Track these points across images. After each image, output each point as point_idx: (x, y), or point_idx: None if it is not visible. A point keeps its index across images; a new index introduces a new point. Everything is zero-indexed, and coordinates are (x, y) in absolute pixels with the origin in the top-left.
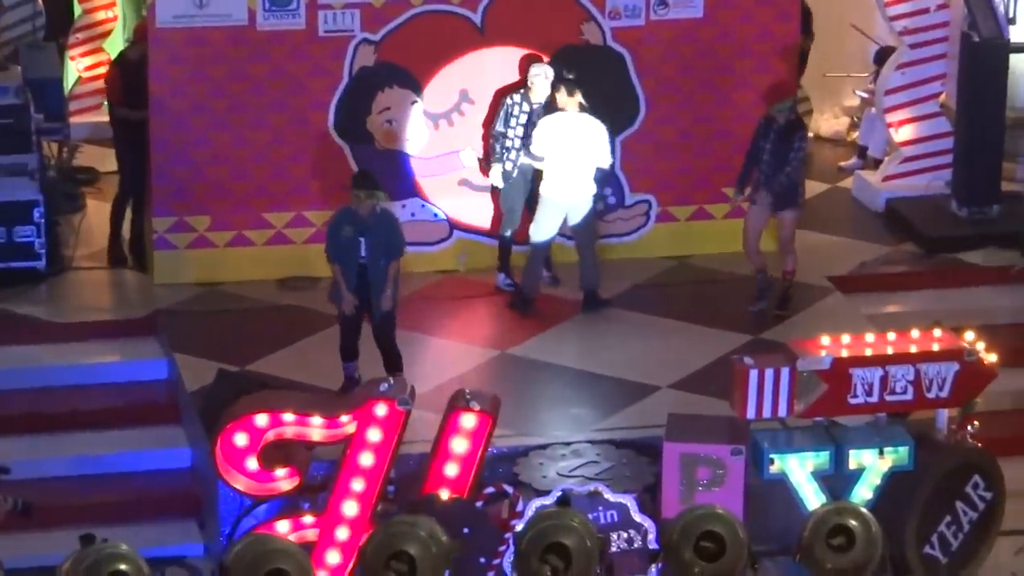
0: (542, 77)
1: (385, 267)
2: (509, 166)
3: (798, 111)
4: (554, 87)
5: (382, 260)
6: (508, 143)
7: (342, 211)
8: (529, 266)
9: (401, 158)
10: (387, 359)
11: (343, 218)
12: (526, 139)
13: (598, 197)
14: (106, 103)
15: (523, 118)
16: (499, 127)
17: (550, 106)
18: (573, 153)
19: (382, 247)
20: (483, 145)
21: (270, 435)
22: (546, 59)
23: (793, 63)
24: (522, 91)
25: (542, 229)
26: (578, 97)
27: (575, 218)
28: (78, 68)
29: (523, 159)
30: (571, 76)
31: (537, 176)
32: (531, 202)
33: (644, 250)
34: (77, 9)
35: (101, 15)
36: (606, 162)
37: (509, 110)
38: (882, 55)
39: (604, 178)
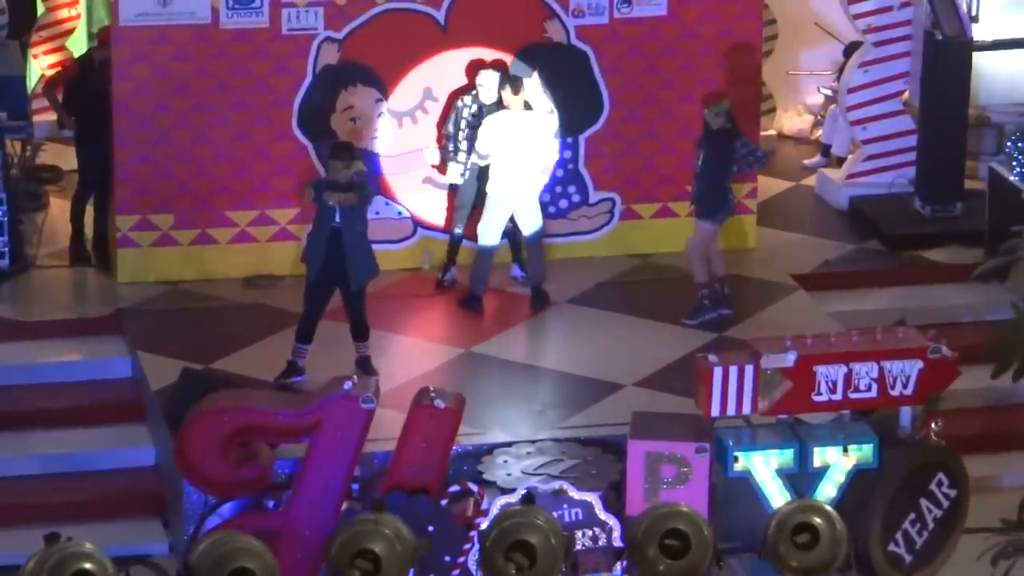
0: (490, 82)
1: (362, 232)
2: (459, 167)
3: (733, 117)
4: (500, 86)
5: (358, 225)
6: (458, 143)
7: (319, 180)
8: (477, 265)
9: (365, 156)
10: (355, 327)
11: (322, 186)
12: (474, 139)
13: (545, 194)
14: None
15: (472, 119)
16: (449, 127)
17: (501, 107)
18: (518, 151)
19: (357, 213)
20: (437, 145)
21: (234, 433)
22: (491, 69)
23: (755, 61)
24: (474, 92)
25: (489, 228)
26: (523, 95)
27: (522, 216)
28: (41, 66)
29: (472, 159)
30: (514, 74)
31: (485, 175)
32: (481, 201)
33: (608, 248)
34: (40, 7)
35: (64, 13)
36: (550, 158)
37: (460, 111)
38: (851, 49)
39: (567, 178)
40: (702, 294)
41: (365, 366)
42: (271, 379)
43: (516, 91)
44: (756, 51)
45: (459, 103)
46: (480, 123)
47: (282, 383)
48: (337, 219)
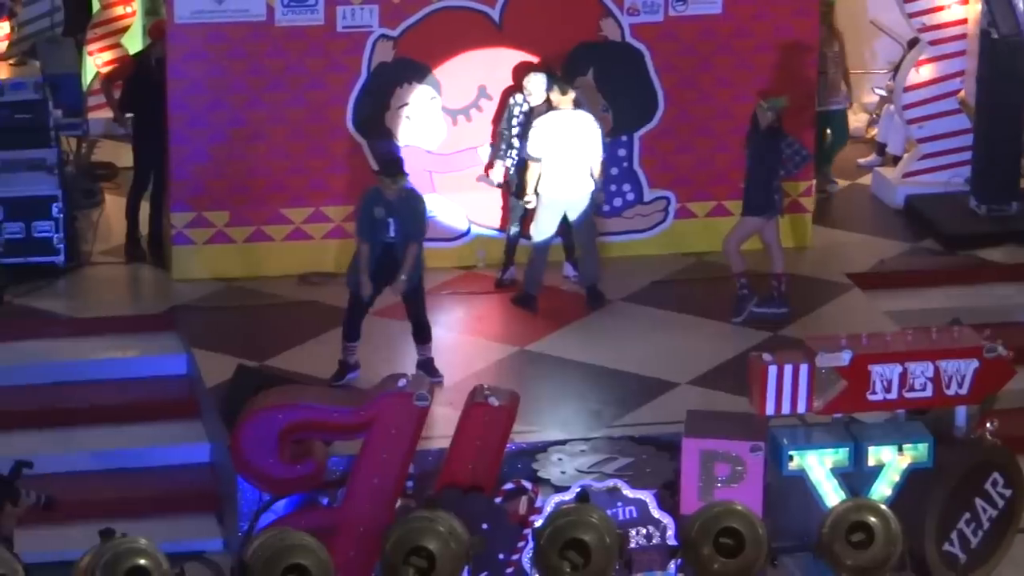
0: (536, 86)
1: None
2: (510, 163)
3: (781, 118)
4: (548, 87)
5: (408, 229)
6: (510, 142)
7: (372, 192)
8: (531, 264)
9: (419, 154)
10: (417, 330)
11: (373, 199)
12: (523, 138)
13: (596, 192)
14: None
15: (522, 118)
16: (503, 125)
17: (550, 107)
18: (568, 151)
19: (408, 222)
20: (491, 142)
21: (288, 430)
22: (538, 72)
23: (812, 59)
24: (524, 96)
25: (542, 228)
26: (571, 95)
27: (574, 215)
28: (96, 64)
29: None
30: (562, 75)
31: (523, 176)
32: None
33: (663, 246)
34: (95, 5)
35: (119, 10)
36: (597, 158)
37: (511, 110)
38: (914, 44)
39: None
40: (740, 284)
41: (428, 368)
42: (325, 376)
43: (564, 91)
44: (812, 50)
45: (511, 101)
46: (529, 122)
47: (338, 383)
48: (391, 233)
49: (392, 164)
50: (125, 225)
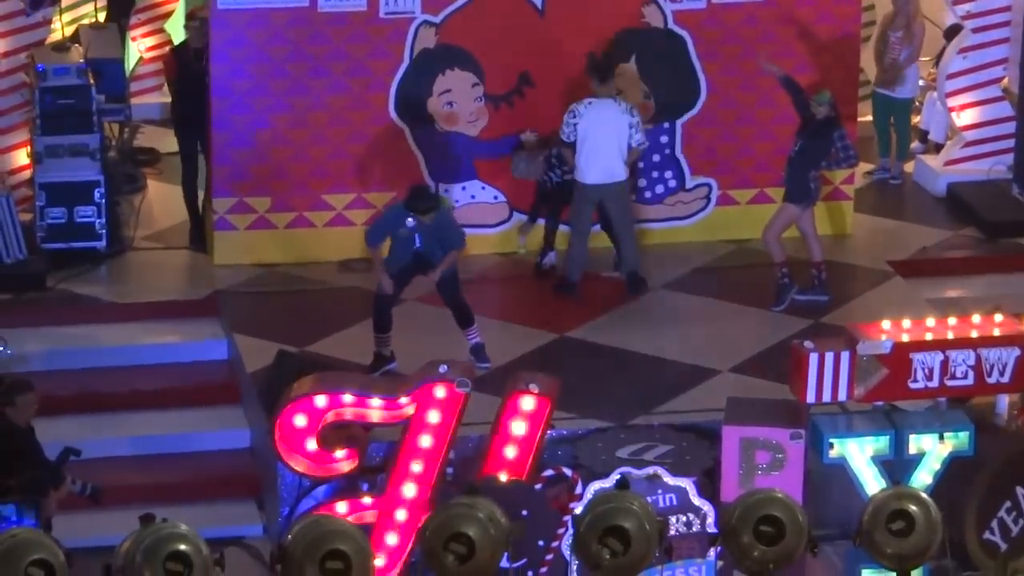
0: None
1: (442, 255)
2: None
3: (836, 108)
4: (588, 73)
5: (438, 251)
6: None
7: (397, 212)
8: (571, 252)
9: (461, 140)
10: (457, 314)
11: (398, 220)
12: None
13: (641, 179)
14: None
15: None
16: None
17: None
18: (604, 140)
19: (437, 242)
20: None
21: (329, 416)
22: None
23: (854, 46)
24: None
25: (579, 214)
26: (612, 83)
27: (610, 203)
28: (139, 49)
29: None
30: (605, 63)
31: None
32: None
33: (704, 234)
34: None
35: None
36: (636, 142)
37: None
38: (952, 32)
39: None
40: (781, 273)
41: (479, 354)
42: (366, 362)
43: (604, 79)
44: (855, 37)
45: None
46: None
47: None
48: (417, 243)
49: (422, 198)
50: (169, 209)
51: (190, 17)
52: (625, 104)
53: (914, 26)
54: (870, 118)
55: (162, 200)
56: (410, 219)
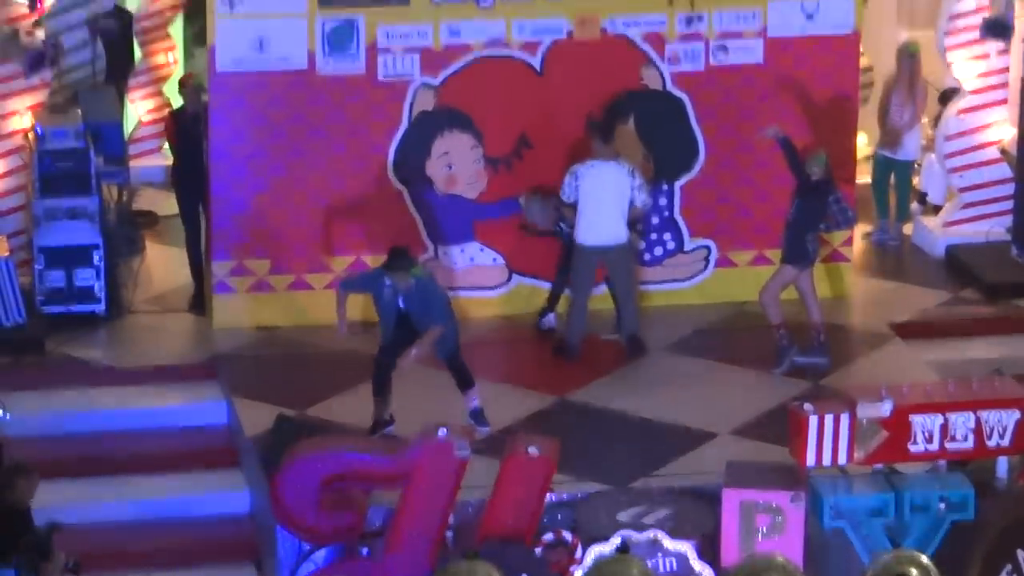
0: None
1: (429, 323)
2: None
3: (830, 169)
4: (590, 134)
5: (424, 317)
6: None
7: (378, 276)
8: (572, 314)
9: (460, 202)
10: (457, 377)
11: (380, 283)
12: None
13: (634, 242)
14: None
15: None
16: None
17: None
18: (606, 201)
19: (423, 307)
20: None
21: (329, 480)
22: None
23: (852, 109)
24: None
25: (579, 276)
26: (613, 145)
27: (612, 264)
28: (138, 112)
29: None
30: (605, 124)
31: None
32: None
33: (703, 295)
34: (137, 53)
35: (161, 59)
36: (641, 202)
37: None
38: (946, 97)
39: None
40: (779, 335)
41: (478, 418)
42: (366, 425)
43: (606, 140)
44: (853, 100)
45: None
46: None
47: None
48: (401, 304)
49: (400, 257)
50: (166, 273)
51: (183, 83)
52: (627, 165)
53: (917, 88)
54: (868, 179)
55: (161, 263)
56: (387, 279)
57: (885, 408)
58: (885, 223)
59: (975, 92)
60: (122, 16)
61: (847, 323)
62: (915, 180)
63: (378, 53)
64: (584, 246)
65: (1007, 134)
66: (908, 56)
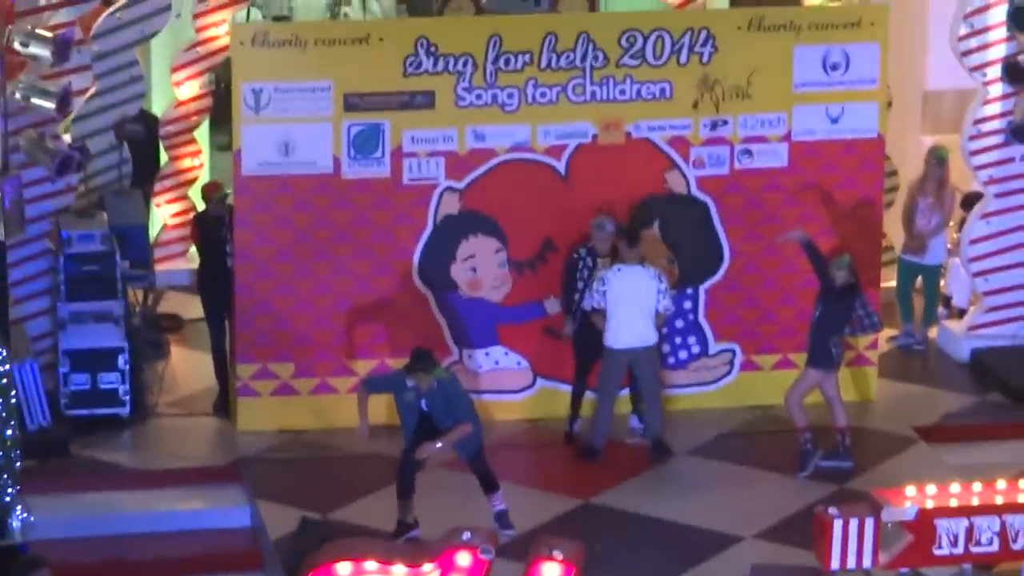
0: (600, 229)
1: (451, 423)
2: (572, 321)
3: (856, 274)
4: (617, 237)
5: (447, 418)
6: (573, 298)
7: (400, 374)
8: (597, 417)
9: (485, 306)
10: (482, 480)
11: (402, 384)
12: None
13: (665, 345)
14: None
15: (586, 272)
16: (567, 281)
17: (615, 258)
18: (633, 305)
19: (445, 409)
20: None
21: None
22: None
23: (877, 214)
24: (589, 245)
25: (606, 380)
26: (639, 249)
27: (640, 367)
28: (163, 215)
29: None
30: (629, 226)
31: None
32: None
33: (728, 399)
34: (163, 157)
35: (187, 163)
36: (664, 307)
37: (575, 263)
38: (969, 201)
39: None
40: (804, 439)
41: (503, 521)
42: (389, 528)
43: (632, 244)
44: (877, 204)
45: (574, 255)
46: (594, 272)
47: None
48: (424, 406)
49: (422, 359)
50: (192, 376)
51: (207, 192)
52: (653, 270)
53: (945, 193)
54: (892, 283)
55: (186, 366)
56: (410, 381)
57: (910, 512)
58: (910, 327)
59: (1000, 196)
60: (148, 120)
61: (872, 427)
62: (940, 284)
63: (403, 157)
64: (614, 349)
65: None
66: (937, 161)
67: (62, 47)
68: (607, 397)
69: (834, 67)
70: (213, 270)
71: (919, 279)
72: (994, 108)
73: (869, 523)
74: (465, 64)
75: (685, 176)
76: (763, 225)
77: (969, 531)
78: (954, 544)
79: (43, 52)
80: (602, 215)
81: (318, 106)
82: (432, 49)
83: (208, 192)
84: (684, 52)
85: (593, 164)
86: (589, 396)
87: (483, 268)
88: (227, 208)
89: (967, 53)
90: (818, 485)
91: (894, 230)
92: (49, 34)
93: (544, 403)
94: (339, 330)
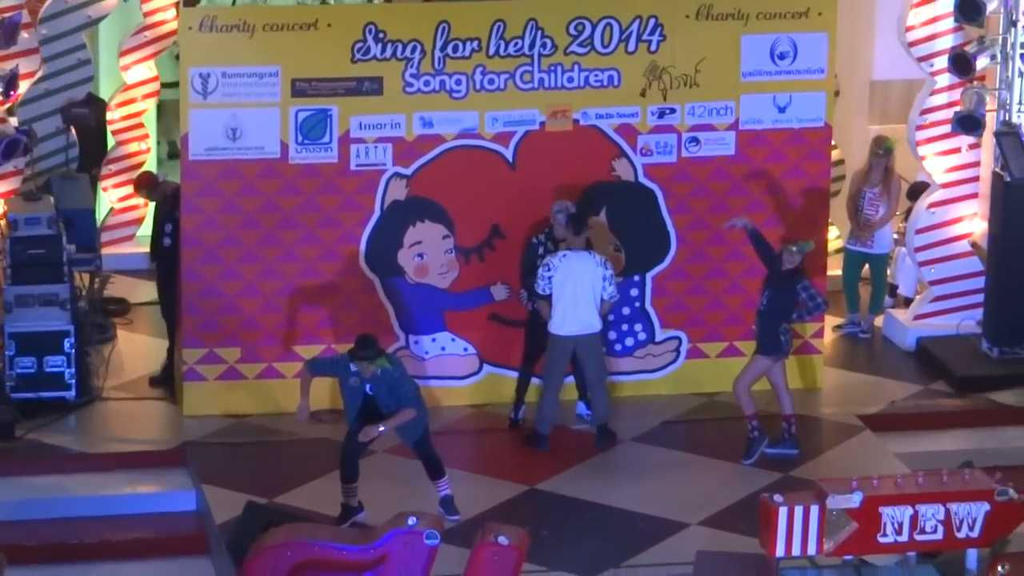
0: (562, 214)
1: (395, 407)
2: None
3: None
4: (564, 224)
5: (391, 403)
6: (528, 283)
7: (343, 362)
8: (542, 404)
9: (432, 292)
10: (427, 466)
11: (345, 369)
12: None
13: (611, 332)
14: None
15: (546, 257)
16: (526, 266)
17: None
18: (579, 291)
19: (390, 393)
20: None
21: (297, 568)
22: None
23: (824, 202)
24: (547, 231)
25: (552, 367)
26: (585, 235)
27: (585, 354)
28: (110, 199)
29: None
30: (576, 212)
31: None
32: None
33: (674, 386)
34: (110, 141)
35: (134, 147)
36: (608, 295)
37: (535, 248)
38: (915, 191)
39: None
40: (751, 426)
41: (448, 506)
42: (335, 513)
43: (578, 231)
44: (824, 192)
45: (533, 240)
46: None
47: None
48: (367, 390)
49: (366, 346)
50: (138, 360)
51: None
52: (599, 257)
53: (891, 183)
54: (838, 272)
55: (132, 350)
56: (353, 366)
57: (855, 499)
58: (856, 316)
59: (946, 186)
60: (95, 104)
61: (817, 415)
62: (887, 273)
63: (351, 143)
64: (559, 336)
65: (977, 228)
66: (884, 151)
67: (9, 30)
68: (552, 384)
69: (782, 56)
70: (162, 259)
71: (865, 268)
72: (941, 98)
73: (814, 510)
74: (413, 50)
75: (632, 163)
76: (710, 213)
77: (914, 519)
78: (899, 532)
79: None
80: (562, 201)
81: (266, 91)
82: (380, 35)
83: (141, 183)
84: (632, 40)
85: (541, 151)
86: (535, 383)
87: (430, 254)
88: (173, 189)
89: (914, 43)
90: (763, 472)
91: (839, 219)
92: None
93: (490, 389)
94: (285, 315)
